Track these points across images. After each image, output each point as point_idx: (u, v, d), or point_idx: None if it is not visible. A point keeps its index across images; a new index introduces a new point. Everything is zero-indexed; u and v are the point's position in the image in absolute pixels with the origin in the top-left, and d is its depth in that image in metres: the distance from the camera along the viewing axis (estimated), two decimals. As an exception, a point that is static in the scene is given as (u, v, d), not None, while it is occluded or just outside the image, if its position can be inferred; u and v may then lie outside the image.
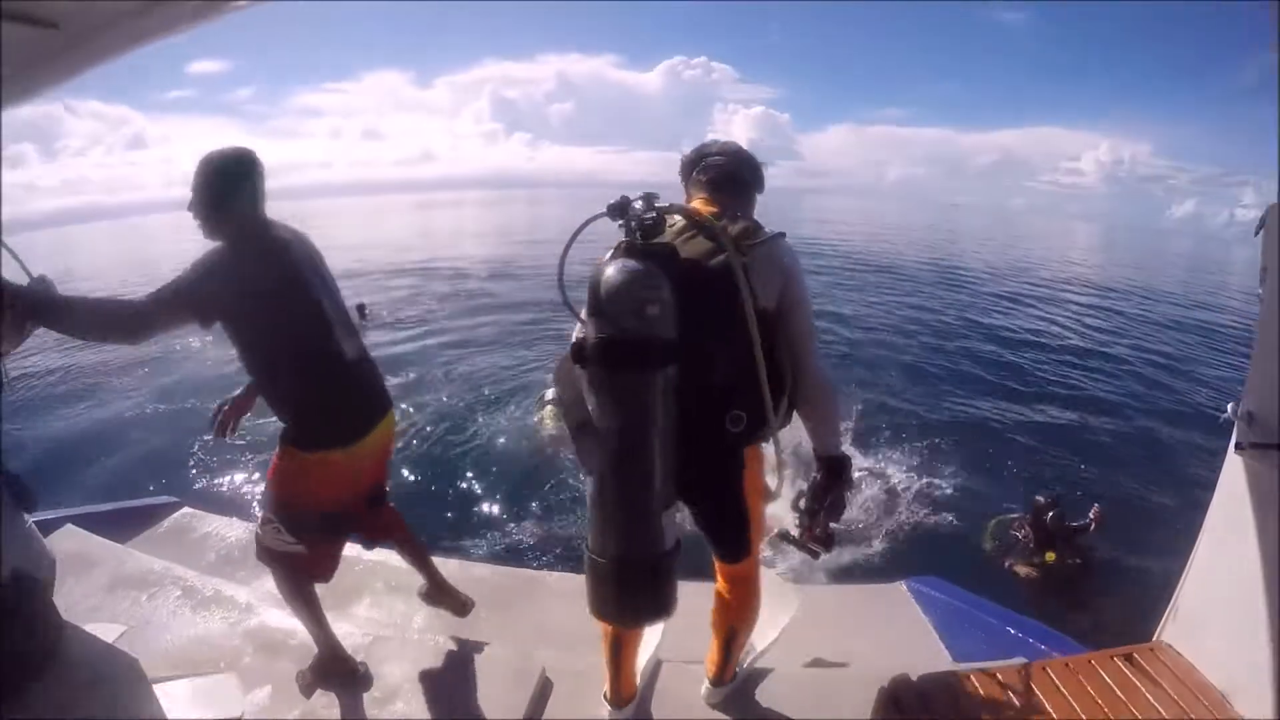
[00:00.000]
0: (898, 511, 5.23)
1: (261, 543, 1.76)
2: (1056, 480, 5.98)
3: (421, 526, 4.34)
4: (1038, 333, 12.79)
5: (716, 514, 1.51)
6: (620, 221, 1.27)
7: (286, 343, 1.65)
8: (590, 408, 1.26)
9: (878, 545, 4.74)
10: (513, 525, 4.91)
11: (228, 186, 1.59)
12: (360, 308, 10.64)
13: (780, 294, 1.36)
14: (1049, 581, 4.60)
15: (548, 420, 6.06)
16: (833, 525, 1.45)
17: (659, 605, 1.32)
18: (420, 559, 2.15)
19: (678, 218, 1.36)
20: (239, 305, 1.58)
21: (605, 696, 1.76)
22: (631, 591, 1.31)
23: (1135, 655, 1.84)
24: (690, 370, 1.25)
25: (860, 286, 16.63)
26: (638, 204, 1.28)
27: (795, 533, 1.48)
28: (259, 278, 1.58)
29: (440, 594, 2.17)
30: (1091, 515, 4.72)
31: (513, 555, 4.43)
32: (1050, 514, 4.69)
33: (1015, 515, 5.03)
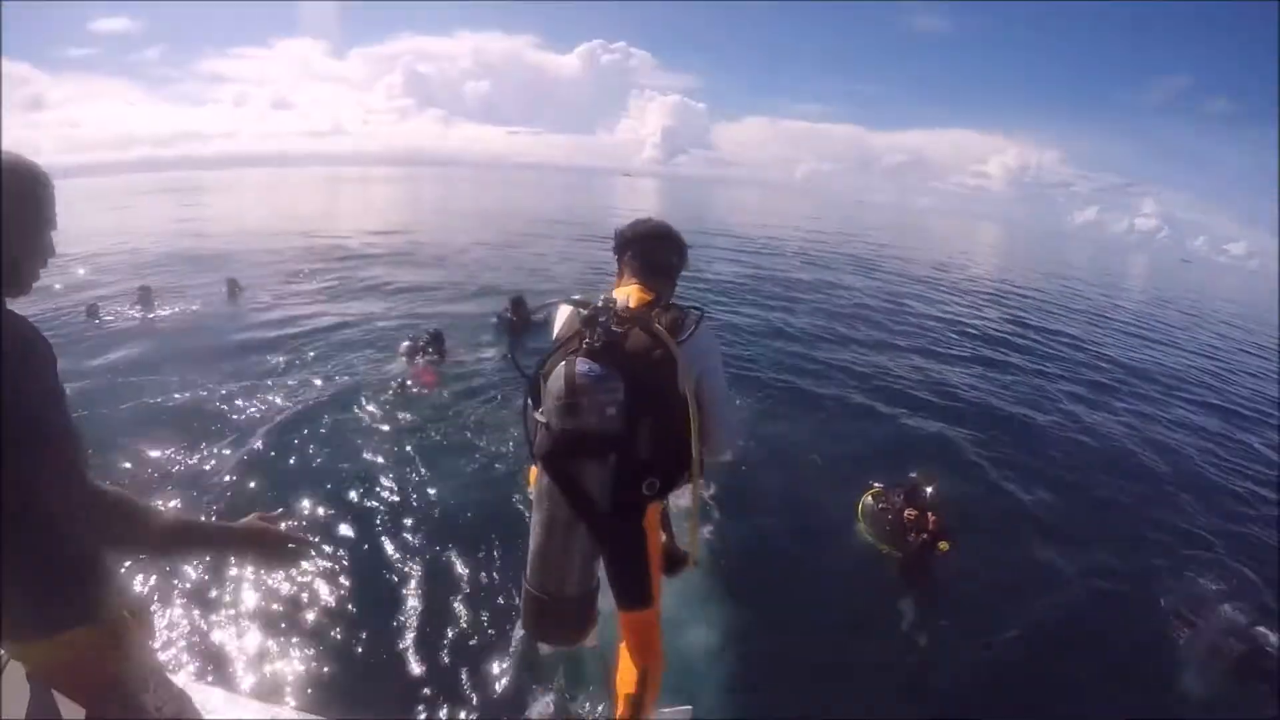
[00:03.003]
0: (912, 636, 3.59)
1: None
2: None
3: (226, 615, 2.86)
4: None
5: (627, 562, 1.74)
6: (585, 331, 1.58)
7: None
8: (542, 482, 1.65)
9: (889, 687, 3.21)
10: (371, 619, 3.17)
11: None
12: (232, 282, 10.21)
13: (700, 370, 1.63)
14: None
15: (401, 359, 6.94)
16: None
17: (586, 626, 1.75)
18: None
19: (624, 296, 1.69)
20: None
21: None
22: (571, 619, 1.72)
23: None
24: (626, 448, 1.57)
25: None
26: (601, 315, 1.58)
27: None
28: None
29: None
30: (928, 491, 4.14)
31: (367, 682, 2.80)
32: (929, 489, 4.16)
33: (878, 486, 4.44)
